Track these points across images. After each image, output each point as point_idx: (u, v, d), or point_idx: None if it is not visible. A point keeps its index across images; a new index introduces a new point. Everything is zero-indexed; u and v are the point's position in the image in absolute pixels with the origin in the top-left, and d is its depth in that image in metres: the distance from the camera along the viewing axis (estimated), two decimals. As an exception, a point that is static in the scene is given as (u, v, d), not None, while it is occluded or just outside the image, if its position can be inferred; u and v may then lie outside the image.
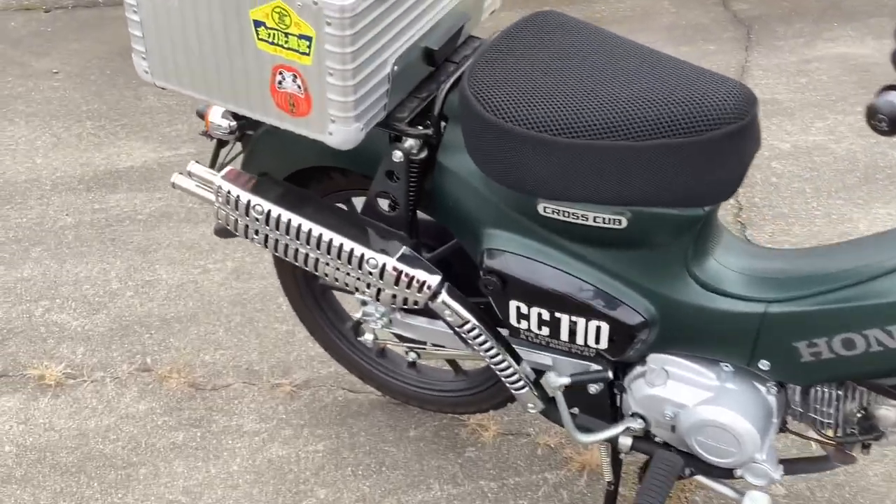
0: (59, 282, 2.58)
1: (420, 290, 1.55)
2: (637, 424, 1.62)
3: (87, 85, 3.49)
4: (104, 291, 2.54)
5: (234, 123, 1.68)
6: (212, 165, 1.81)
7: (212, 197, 1.69)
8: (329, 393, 2.22)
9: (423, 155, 1.53)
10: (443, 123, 1.53)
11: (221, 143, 1.78)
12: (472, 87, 1.41)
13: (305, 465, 2.05)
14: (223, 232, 1.78)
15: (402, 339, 1.92)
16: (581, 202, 1.41)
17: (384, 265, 1.54)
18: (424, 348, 1.92)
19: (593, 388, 1.64)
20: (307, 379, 2.25)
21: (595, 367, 1.62)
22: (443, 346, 1.86)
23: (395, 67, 1.43)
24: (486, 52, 1.47)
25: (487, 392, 1.94)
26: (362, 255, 1.55)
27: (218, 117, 1.68)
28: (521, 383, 1.67)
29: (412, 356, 1.95)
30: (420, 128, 1.50)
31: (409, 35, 1.45)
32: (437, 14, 1.50)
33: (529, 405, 1.71)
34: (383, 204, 1.61)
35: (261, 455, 2.07)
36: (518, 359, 1.67)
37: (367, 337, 1.92)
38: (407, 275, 1.54)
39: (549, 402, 1.71)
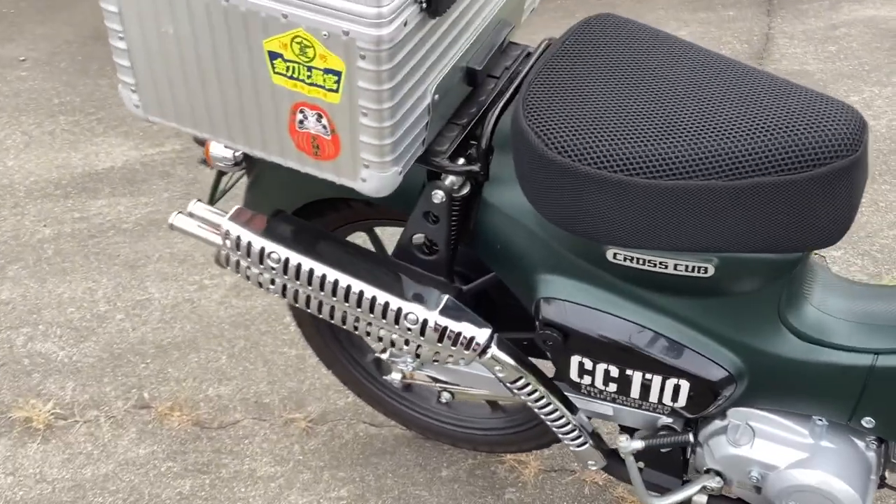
0: (40, 304, 2.35)
1: (468, 347, 1.34)
2: (714, 483, 1.43)
3: (57, 74, 3.22)
4: (91, 315, 2.31)
5: (239, 154, 1.45)
6: (211, 199, 1.58)
7: (217, 240, 1.47)
8: (349, 428, 2.02)
9: (466, 191, 1.31)
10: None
11: (222, 172, 1.55)
12: (529, 117, 1.18)
13: (329, 514, 1.85)
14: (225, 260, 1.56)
15: (436, 380, 1.71)
16: (661, 251, 1.20)
17: (425, 321, 1.33)
18: (460, 388, 1.71)
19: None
20: (323, 412, 2.05)
21: (664, 419, 1.43)
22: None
23: (436, 96, 1.20)
24: (542, 73, 1.24)
25: (530, 432, 1.75)
26: (399, 310, 1.34)
27: (221, 148, 1.44)
28: (581, 440, 1.47)
29: (445, 396, 1.75)
30: (462, 161, 1.28)
31: (449, 57, 1.22)
32: (477, 28, 1.27)
33: (590, 462, 1.51)
34: (418, 244, 1.39)
35: (278, 504, 1.88)
36: (572, 408, 1.47)
37: (394, 377, 1.71)
38: (452, 331, 1.33)
39: (611, 455, 1.52)
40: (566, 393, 1.47)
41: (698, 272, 1.22)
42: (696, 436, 1.43)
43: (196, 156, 2.80)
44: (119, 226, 2.57)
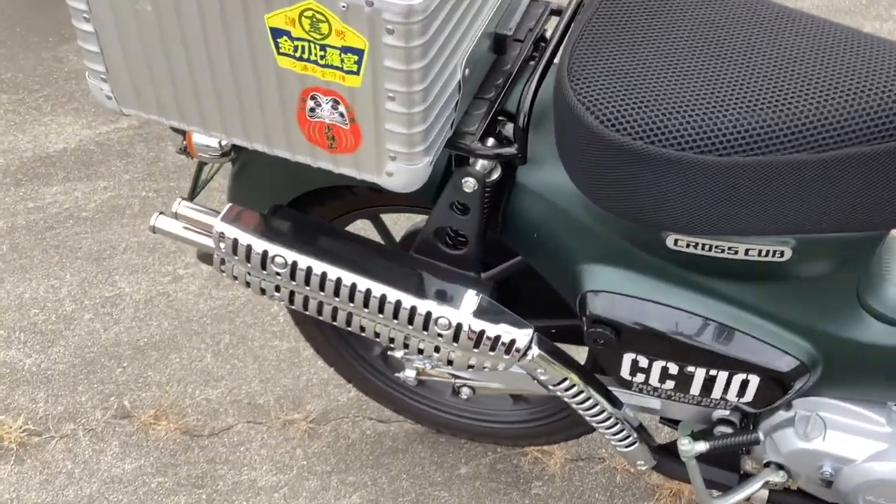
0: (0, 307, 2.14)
1: (508, 351, 1.18)
2: (778, 478, 1.31)
3: (-7, 49, 2.95)
4: (57, 316, 2.11)
5: (227, 142, 1.26)
6: (192, 193, 1.39)
7: (209, 243, 1.28)
8: (354, 426, 1.86)
9: (498, 175, 1.14)
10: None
11: (204, 163, 1.37)
12: (577, 90, 1.01)
13: (342, 524, 1.70)
14: (208, 257, 1.38)
15: (456, 376, 1.55)
16: (733, 235, 1.05)
17: (459, 325, 1.17)
18: (483, 383, 1.56)
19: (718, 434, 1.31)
20: (324, 410, 1.88)
21: (719, 412, 1.30)
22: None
23: (466, 71, 1.03)
24: (584, 36, 1.06)
25: (558, 423, 1.60)
26: (428, 314, 1.17)
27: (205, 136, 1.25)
28: (630, 439, 1.33)
29: (465, 392, 1.59)
30: (492, 142, 1.11)
31: (479, 24, 1.04)
32: (505, -14, 1.09)
33: (639, 462, 1.37)
34: (442, 237, 1.22)
35: (285, 517, 1.72)
36: (616, 403, 1.33)
37: (409, 374, 1.55)
38: (490, 336, 1.17)
39: (661, 452, 1.39)
40: (609, 387, 1.33)
41: (773, 256, 1.07)
42: (755, 428, 1.30)
43: (156, 132, 2.58)
44: (78, 214, 2.36)
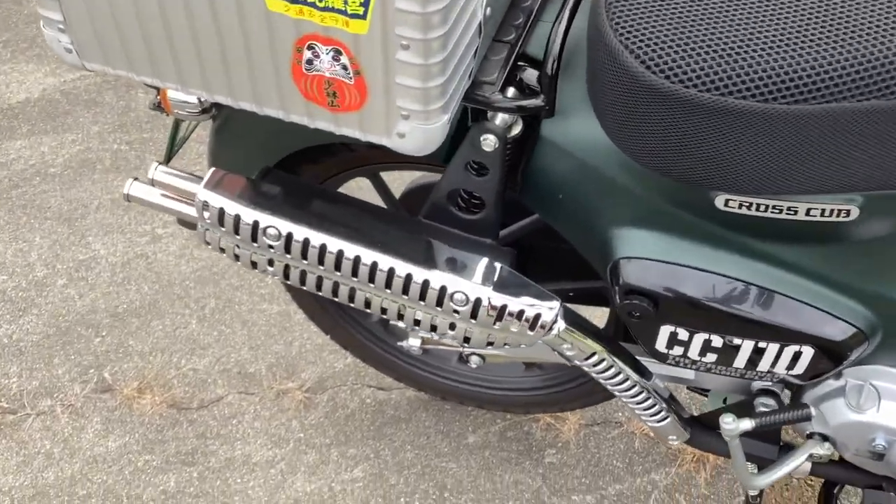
0: (-36, 275, 1.99)
1: (532, 327, 1.06)
2: (823, 451, 1.20)
3: (-55, -9, 2.75)
4: (28, 282, 1.96)
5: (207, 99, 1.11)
6: (168, 155, 1.25)
7: (191, 212, 1.14)
8: (353, 394, 1.74)
9: (519, 130, 1.00)
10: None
11: (181, 121, 1.22)
12: (618, 30, 0.87)
13: (344, 501, 1.59)
14: (190, 223, 1.25)
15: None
16: (797, 194, 0.92)
17: (478, 300, 1.04)
18: (494, 352, 1.44)
19: (763, 411, 1.20)
20: (320, 378, 1.76)
21: (759, 383, 1.18)
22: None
23: (487, 11, 0.88)
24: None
25: (574, 391, 1.49)
26: (443, 289, 1.04)
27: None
28: (662, 414, 1.22)
29: (475, 360, 1.47)
30: (512, 92, 0.96)
31: (500, -47, 0.89)
32: None
33: (671, 437, 1.26)
34: (455, 200, 1.09)
35: (283, 494, 1.60)
36: (645, 374, 1.21)
37: (413, 343, 1.42)
38: (512, 311, 1.04)
39: (693, 425, 1.28)
40: (637, 357, 1.21)
41: (838, 216, 0.95)
42: (799, 399, 1.19)
43: (126, 79, 2.41)
44: (45, 171, 2.19)
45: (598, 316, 1.36)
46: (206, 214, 1.08)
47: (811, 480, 1.55)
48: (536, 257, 1.33)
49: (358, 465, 1.63)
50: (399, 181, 1.48)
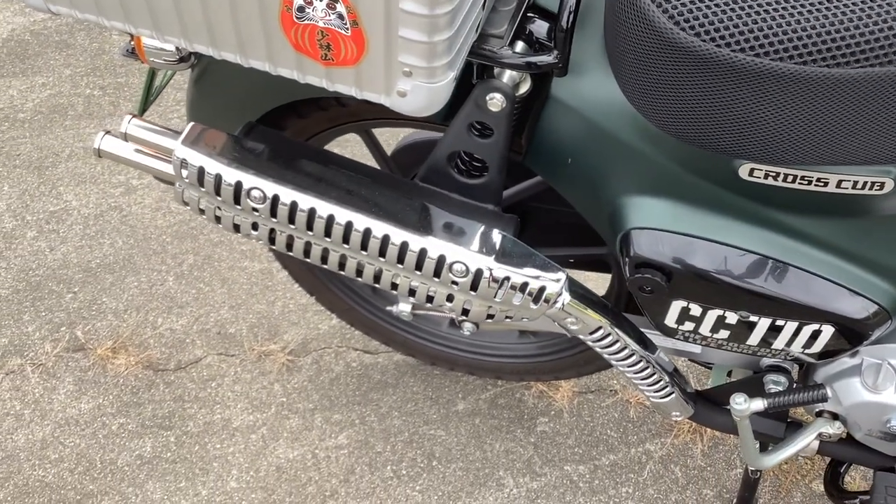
0: (-72, 225, 1.90)
1: (536, 300, 0.99)
2: (834, 429, 1.15)
3: None
4: (-4, 234, 1.87)
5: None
6: (143, 106, 1.16)
7: (167, 169, 1.05)
8: (337, 358, 1.67)
9: (527, 88, 0.92)
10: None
11: (156, 70, 1.12)
12: (643, -17, 0.78)
13: (328, 469, 1.53)
14: (166, 180, 1.16)
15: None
16: (830, 164, 0.84)
17: (479, 271, 0.96)
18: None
19: (773, 389, 1.14)
20: (304, 340, 1.69)
21: (768, 360, 1.13)
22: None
23: (499, -44, 0.79)
24: None
25: (570, 359, 1.43)
26: (441, 258, 0.96)
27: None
28: (666, 390, 1.16)
29: (468, 327, 1.40)
30: (521, 47, 0.88)
31: None
32: None
33: (675, 413, 1.20)
34: (454, 163, 1.01)
35: (264, 461, 1.54)
36: (649, 346, 1.15)
37: (403, 308, 1.35)
38: (515, 284, 0.97)
39: (697, 400, 1.22)
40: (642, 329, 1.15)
41: (871, 189, 0.88)
42: (811, 377, 1.13)
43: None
44: (14, 116, 2.09)
45: (590, 279, 1.30)
46: (185, 173, 0.99)
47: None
48: (534, 222, 1.25)
49: (343, 432, 1.57)
50: (388, 135, 1.40)
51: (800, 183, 0.88)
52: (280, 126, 1.16)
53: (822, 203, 0.91)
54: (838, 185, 0.88)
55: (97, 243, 1.84)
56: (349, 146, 1.84)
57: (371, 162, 1.19)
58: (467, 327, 1.39)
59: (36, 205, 1.91)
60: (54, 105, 2.10)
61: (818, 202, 0.91)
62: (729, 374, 1.25)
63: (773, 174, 0.88)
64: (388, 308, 1.42)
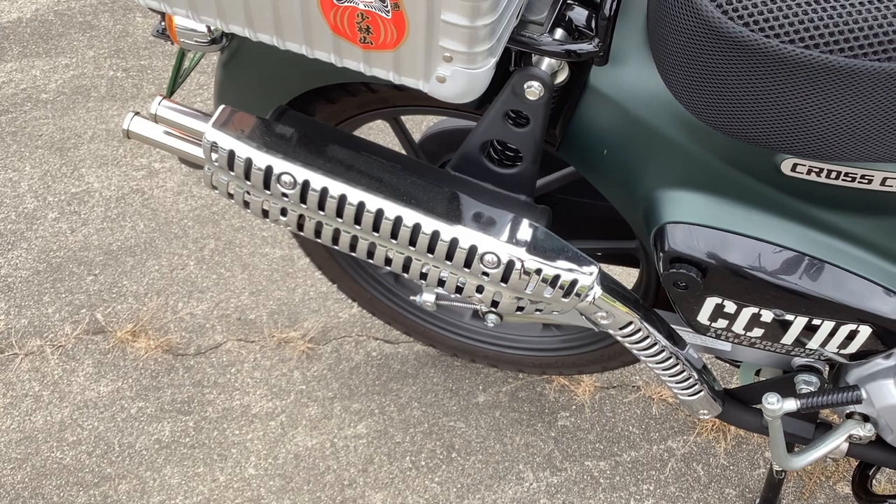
0: (-50, 204, 1.89)
1: (567, 294, 0.97)
2: (864, 432, 1.13)
3: None
4: (17, 214, 1.87)
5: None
6: (171, 88, 1.15)
7: (197, 152, 1.04)
8: (358, 346, 1.66)
9: (565, 77, 0.91)
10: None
11: (186, 51, 1.11)
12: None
13: (347, 458, 1.52)
14: (192, 163, 1.15)
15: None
16: (877, 161, 0.82)
17: (511, 262, 0.95)
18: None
19: (805, 390, 1.12)
20: (324, 327, 1.68)
21: (800, 360, 1.11)
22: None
23: (543, -60, 0.77)
24: None
25: (593, 354, 1.41)
26: (472, 248, 0.95)
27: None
28: (696, 387, 1.14)
29: (492, 319, 1.38)
30: (560, 34, 0.86)
31: None
32: None
33: (703, 412, 1.19)
34: (487, 152, 0.99)
35: (283, 448, 1.53)
36: (678, 343, 1.13)
37: (426, 298, 1.33)
38: (547, 276, 0.95)
39: (726, 398, 1.20)
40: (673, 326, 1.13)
41: (917, 188, 0.86)
42: (843, 378, 1.11)
43: (123, 1, 2.28)
44: (37, 96, 2.08)
45: (616, 274, 1.28)
46: (214, 156, 0.98)
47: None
48: (563, 213, 1.24)
49: (362, 421, 1.56)
50: (412, 123, 1.39)
51: (843, 179, 0.87)
52: (308, 112, 1.14)
53: (865, 201, 0.89)
54: (883, 182, 0.86)
55: (118, 226, 1.84)
56: (374, 134, 1.83)
57: (398, 150, 1.18)
58: (491, 319, 1.37)
59: (57, 186, 1.91)
60: (77, 86, 2.09)
61: (861, 200, 0.89)
62: (757, 373, 1.23)
63: (817, 170, 0.86)
64: (412, 298, 1.40)
